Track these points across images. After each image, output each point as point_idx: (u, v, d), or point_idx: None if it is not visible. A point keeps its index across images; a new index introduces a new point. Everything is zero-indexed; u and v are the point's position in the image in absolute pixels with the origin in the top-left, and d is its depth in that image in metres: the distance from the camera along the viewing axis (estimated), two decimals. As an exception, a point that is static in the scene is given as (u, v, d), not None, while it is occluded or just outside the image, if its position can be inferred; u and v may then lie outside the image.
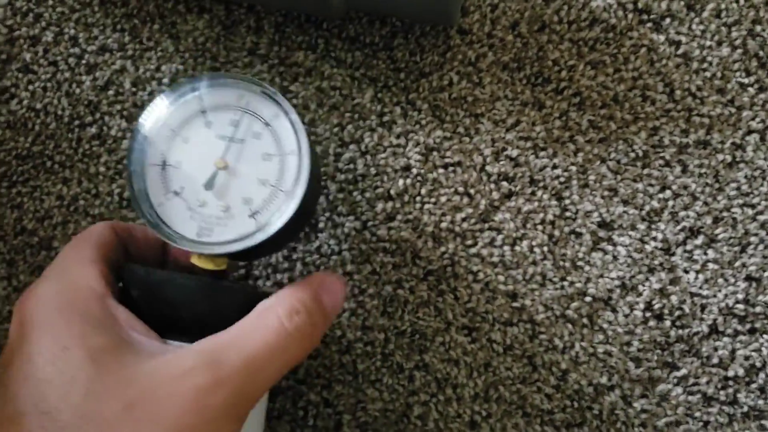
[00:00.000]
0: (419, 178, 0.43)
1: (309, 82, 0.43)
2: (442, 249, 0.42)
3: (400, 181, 0.43)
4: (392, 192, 0.43)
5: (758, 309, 0.43)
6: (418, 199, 0.43)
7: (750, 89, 0.44)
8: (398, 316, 0.42)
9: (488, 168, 0.43)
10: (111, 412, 0.25)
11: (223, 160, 0.32)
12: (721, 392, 0.42)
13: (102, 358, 0.26)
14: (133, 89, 0.44)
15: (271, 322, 0.28)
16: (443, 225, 0.42)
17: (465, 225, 0.42)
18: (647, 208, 0.42)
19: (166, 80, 0.46)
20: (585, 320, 0.42)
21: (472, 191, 0.43)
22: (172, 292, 0.30)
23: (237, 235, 0.32)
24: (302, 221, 0.36)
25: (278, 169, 0.32)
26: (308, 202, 0.32)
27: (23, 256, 0.43)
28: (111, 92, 0.44)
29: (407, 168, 0.43)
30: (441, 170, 0.43)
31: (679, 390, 0.42)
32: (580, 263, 0.42)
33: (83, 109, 0.44)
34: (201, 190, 0.32)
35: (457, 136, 0.43)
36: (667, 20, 0.45)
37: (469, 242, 0.42)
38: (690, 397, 0.42)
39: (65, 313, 0.27)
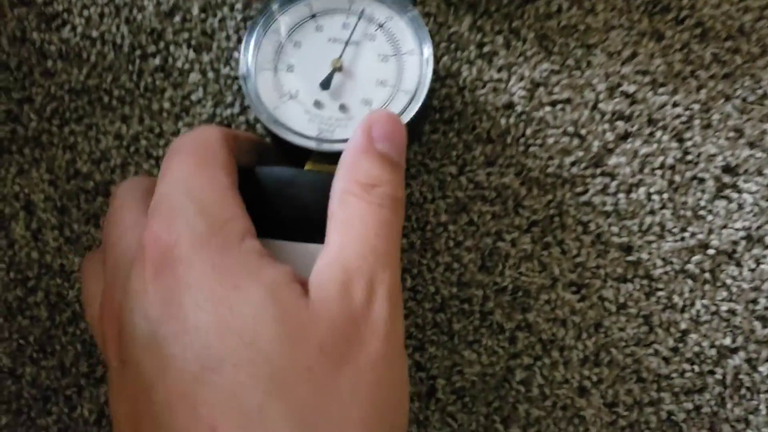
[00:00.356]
0: (523, 117, 0.39)
1: None
2: (549, 197, 0.39)
3: (502, 121, 0.39)
4: (492, 133, 0.39)
5: None
6: (521, 140, 0.39)
7: None
8: (498, 271, 0.39)
9: (601, 106, 0.39)
10: (309, 358, 0.22)
11: (338, 60, 0.32)
12: None
13: (280, 293, 0.23)
14: (202, 15, 0.40)
15: (356, 207, 0.26)
16: (550, 170, 0.39)
17: (574, 170, 0.39)
18: (780, 150, 0.38)
19: (239, 5, 0.41)
20: (707, 275, 0.39)
21: (583, 132, 0.39)
22: (309, 190, 0.29)
23: None
24: (419, 128, 0.36)
25: (396, 69, 0.33)
26: (428, 106, 0.32)
27: (76, 202, 0.40)
28: (177, 19, 0.40)
29: (510, 105, 0.39)
30: (548, 108, 0.39)
31: (821, 353, 0.38)
32: (702, 212, 0.39)
33: (145, 37, 0.40)
34: (317, 92, 0.32)
35: (567, 69, 0.39)
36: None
37: (579, 189, 0.39)
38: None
39: (223, 250, 0.23)
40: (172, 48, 0.40)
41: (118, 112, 0.40)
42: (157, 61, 0.40)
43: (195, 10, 0.40)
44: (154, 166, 0.41)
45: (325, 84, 0.32)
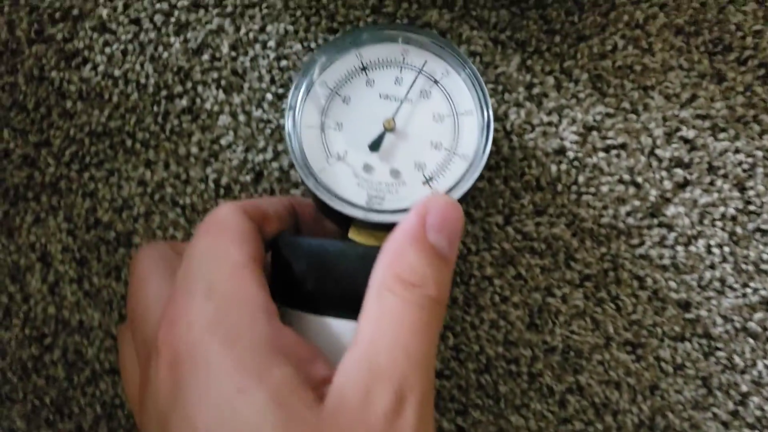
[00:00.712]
0: (576, 163, 0.37)
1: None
2: (602, 249, 0.37)
3: (552, 167, 0.37)
4: (542, 180, 0.37)
5: None
6: (573, 188, 0.37)
7: None
8: (548, 330, 0.37)
9: (658, 152, 0.37)
10: None
11: (390, 120, 0.30)
12: None
13: (286, 399, 0.21)
14: (232, 54, 0.38)
15: (393, 305, 0.24)
16: (604, 220, 0.37)
17: (630, 220, 0.37)
18: None
19: (272, 43, 0.38)
20: (770, 334, 0.36)
21: (639, 179, 0.37)
22: (349, 265, 0.27)
23: (411, 203, 0.28)
24: (472, 192, 0.34)
25: (453, 131, 0.30)
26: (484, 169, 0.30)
27: (96, 254, 0.38)
28: (205, 57, 0.38)
29: (561, 151, 0.37)
30: (602, 154, 0.37)
31: None
32: (765, 266, 0.37)
33: (171, 77, 0.38)
34: (367, 154, 0.30)
35: (622, 112, 0.37)
36: None
37: (635, 241, 0.37)
38: None
39: (231, 342, 0.22)
40: (200, 88, 0.37)
41: (142, 156, 0.38)
42: (184, 102, 0.37)
43: (225, 48, 0.37)
44: (180, 215, 0.38)
45: (375, 145, 0.30)
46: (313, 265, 0.27)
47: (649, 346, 0.37)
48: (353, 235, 0.30)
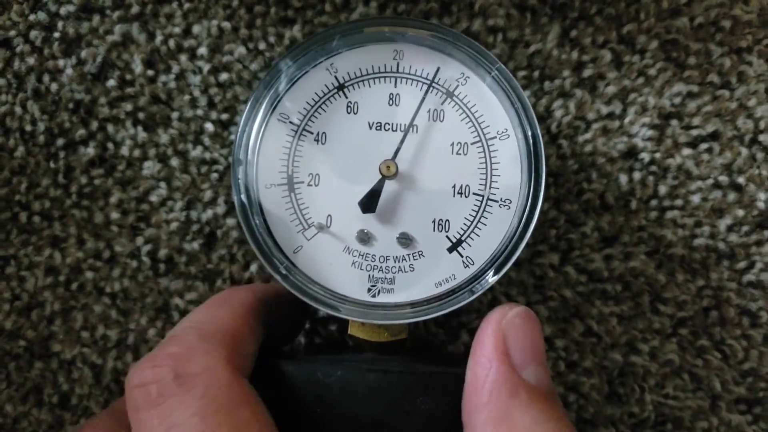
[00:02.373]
0: (653, 167, 0.30)
1: (449, 24, 0.29)
2: (700, 282, 0.30)
3: (621, 177, 0.30)
4: (609, 197, 0.30)
5: None
6: (653, 203, 0.30)
7: None
8: (635, 399, 0.31)
9: (763, 138, 0.30)
10: None
11: (389, 162, 0.23)
12: None
13: None
14: (149, 73, 0.29)
15: None
16: (698, 242, 0.30)
17: (734, 237, 0.30)
18: None
19: (203, 50, 0.28)
20: None
21: (741, 180, 0.30)
22: (358, 401, 0.22)
23: (434, 284, 0.23)
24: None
25: (482, 164, 0.23)
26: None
27: (5, 373, 0.30)
28: (111, 82, 0.29)
29: (631, 153, 0.30)
30: (687, 150, 0.30)
31: None
32: None
33: (68, 116, 0.29)
34: (361, 217, 0.23)
35: (709, 89, 0.30)
36: None
37: (742, 264, 0.30)
38: None
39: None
40: (110, 128, 0.29)
41: (45, 233, 0.30)
42: (90, 150, 0.29)
43: (137, 66, 0.28)
44: (110, 306, 0.30)
45: (370, 203, 0.23)
46: (311, 405, 0.22)
47: (769, 402, 0.31)
48: (355, 330, 0.24)
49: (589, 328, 0.30)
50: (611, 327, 0.30)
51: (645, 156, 0.29)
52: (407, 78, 0.23)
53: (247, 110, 0.23)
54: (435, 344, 0.30)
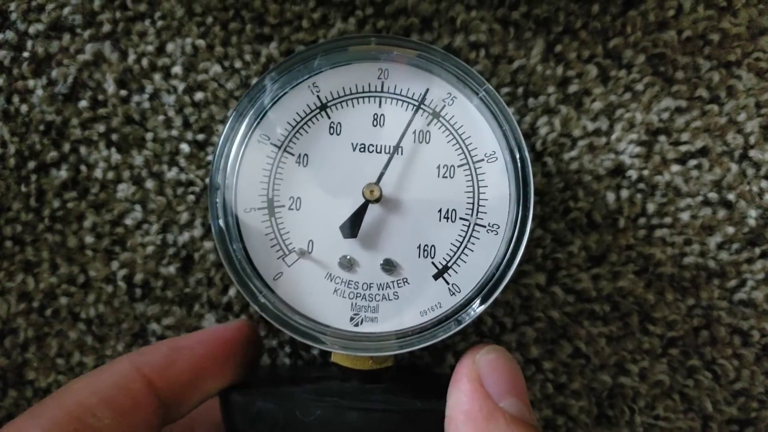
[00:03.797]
0: (640, 185, 0.29)
1: (430, 40, 0.28)
2: (690, 301, 0.29)
3: (609, 195, 0.29)
4: (596, 215, 0.29)
5: None
6: (641, 221, 0.29)
7: None
8: (624, 420, 0.30)
9: (754, 153, 0.29)
10: None
11: (372, 186, 0.22)
12: None
13: None
14: (122, 93, 0.28)
15: None
16: (688, 260, 0.29)
17: (724, 255, 0.29)
18: None
19: (177, 68, 0.27)
20: None
21: (731, 196, 0.29)
22: None
23: (419, 313, 0.23)
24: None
25: (469, 188, 0.23)
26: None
27: None
28: (83, 103, 0.28)
29: (618, 170, 0.29)
30: (676, 167, 0.29)
31: None
32: None
33: (38, 138, 0.28)
34: (343, 242, 0.22)
35: (698, 104, 0.29)
36: None
37: (733, 283, 0.29)
38: None
39: None
40: (82, 150, 0.28)
41: (17, 258, 0.29)
42: (63, 173, 0.29)
43: (110, 86, 0.27)
44: (85, 332, 0.29)
45: (353, 227, 0.22)
46: None
47: (762, 421, 0.30)
48: (339, 358, 0.23)
49: (578, 349, 0.29)
50: (600, 348, 0.29)
51: (633, 173, 0.28)
52: (392, 98, 0.23)
53: (225, 132, 0.23)
54: (421, 366, 0.29)
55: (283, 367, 0.29)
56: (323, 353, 0.28)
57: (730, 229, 0.29)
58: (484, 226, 0.22)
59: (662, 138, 0.28)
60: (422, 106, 0.22)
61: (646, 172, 0.28)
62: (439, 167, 0.23)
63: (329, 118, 0.23)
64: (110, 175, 0.28)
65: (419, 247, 0.22)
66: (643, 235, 0.28)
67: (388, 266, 0.22)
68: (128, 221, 0.28)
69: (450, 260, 0.22)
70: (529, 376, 0.29)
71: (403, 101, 0.22)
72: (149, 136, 0.28)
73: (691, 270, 0.29)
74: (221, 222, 0.22)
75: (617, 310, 0.29)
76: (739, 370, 0.29)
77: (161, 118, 0.27)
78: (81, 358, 0.28)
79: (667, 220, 0.29)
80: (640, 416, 0.29)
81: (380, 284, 0.22)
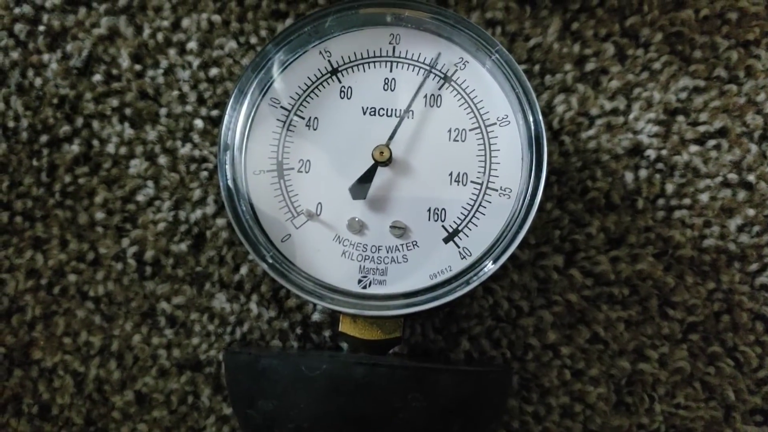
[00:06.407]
0: (659, 165, 0.29)
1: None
2: (710, 285, 0.29)
3: (627, 175, 0.29)
4: (614, 196, 0.29)
5: None
6: (660, 203, 0.29)
7: None
8: (643, 409, 0.29)
9: None
10: None
11: (383, 147, 0.22)
12: None
13: None
14: (137, 67, 0.29)
15: None
16: (708, 243, 0.29)
17: (745, 238, 0.29)
18: None
19: (192, 44, 0.28)
20: None
21: (751, 177, 0.29)
22: (343, 394, 0.20)
23: (429, 276, 0.22)
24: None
25: (481, 152, 0.23)
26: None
27: None
28: (98, 77, 0.29)
29: (636, 150, 0.29)
30: (694, 147, 0.29)
31: None
32: None
33: (52, 112, 0.29)
34: (352, 204, 0.22)
35: (716, 83, 0.29)
36: None
37: (754, 267, 0.29)
38: None
39: None
40: (95, 124, 0.29)
41: (27, 234, 0.29)
42: (75, 147, 0.29)
43: (124, 61, 0.28)
44: (94, 311, 0.29)
45: (362, 189, 0.22)
46: (295, 400, 0.21)
47: (787, 412, 0.29)
48: (346, 327, 0.23)
49: (596, 334, 0.29)
50: (618, 333, 0.29)
51: (651, 153, 0.28)
52: (404, 62, 0.23)
53: (234, 94, 0.23)
54: (434, 351, 0.29)
55: (292, 348, 0.28)
56: (333, 336, 0.28)
57: (751, 212, 0.29)
58: (496, 190, 0.22)
59: (680, 118, 0.29)
60: (433, 70, 0.23)
61: (664, 152, 0.28)
62: (450, 131, 0.23)
63: (340, 82, 0.23)
64: (123, 150, 0.28)
65: (429, 210, 0.23)
66: (662, 216, 0.28)
67: (398, 229, 0.22)
68: (140, 198, 0.28)
69: (461, 224, 0.22)
70: (546, 362, 0.29)
71: (415, 66, 0.23)
72: (163, 111, 0.28)
73: (711, 253, 0.29)
74: (230, 183, 0.22)
75: (636, 293, 0.29)
76: (762, 358, 0.29)
77: (175, 93, 0.28)
78: (88, 337, 0.28)
79: (686, 201, 0.29)
80: (660, 404, 0.29)
81: (389, 247, 0.22)
